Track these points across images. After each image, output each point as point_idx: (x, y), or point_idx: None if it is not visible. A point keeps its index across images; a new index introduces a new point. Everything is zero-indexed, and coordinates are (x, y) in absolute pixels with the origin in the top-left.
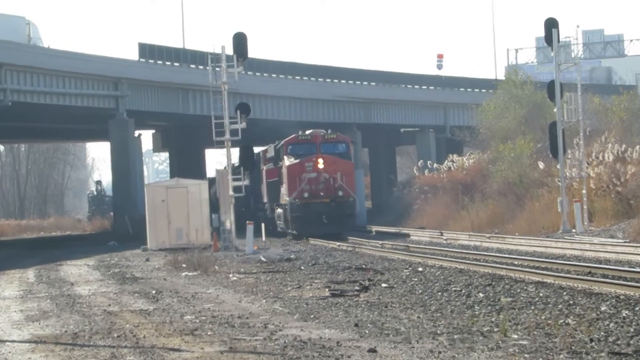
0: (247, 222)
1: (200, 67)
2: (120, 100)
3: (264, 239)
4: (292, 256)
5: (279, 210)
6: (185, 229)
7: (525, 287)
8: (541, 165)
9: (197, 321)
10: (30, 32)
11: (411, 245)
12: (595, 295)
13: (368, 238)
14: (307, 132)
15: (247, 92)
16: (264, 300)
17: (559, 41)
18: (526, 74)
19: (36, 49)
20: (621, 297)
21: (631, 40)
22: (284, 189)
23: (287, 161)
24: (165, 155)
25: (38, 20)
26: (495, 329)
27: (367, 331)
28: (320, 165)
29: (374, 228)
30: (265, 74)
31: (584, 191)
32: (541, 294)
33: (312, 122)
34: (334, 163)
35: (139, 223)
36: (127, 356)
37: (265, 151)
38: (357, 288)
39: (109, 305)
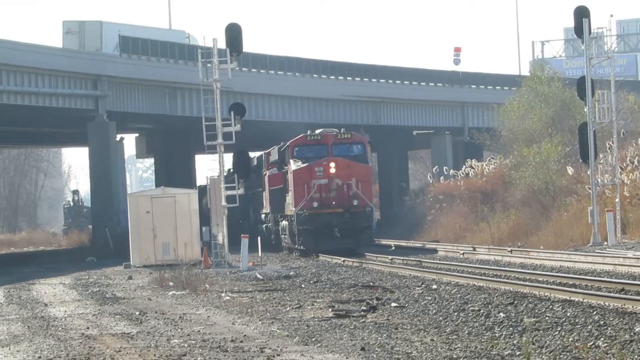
0: (242, 235)
1: (190, 62)
2: (99, 100)
3: (260, 254)
4: (291, 273)
5: (284, 223)
6: (172, 243)
7: (550, 306)
8: (570, 171)
9: (186, 345)
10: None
11: (424, 260)
12: (629, 315)
13: (387, 254)
14: (317, 131)
15: (241, 91)
16: (260, 322)
17: (590, 32)
18: (553, 70)
19: (2, 43)
20: None
21: None
22: (289, 198)
23: (294, 165)
24: (150, 162)
25: None
26: (518, 353)
27: (374, 355)
28: (332, 170)
29: (392, 242)
30: (262, 70)
31: (617, 200)
32: (568, 314)
33: (315, 124)
34: (348, 167)
35: (120, 237)
36: None
37: (268, 154)
38: (364, 308)
39: (87, 328)
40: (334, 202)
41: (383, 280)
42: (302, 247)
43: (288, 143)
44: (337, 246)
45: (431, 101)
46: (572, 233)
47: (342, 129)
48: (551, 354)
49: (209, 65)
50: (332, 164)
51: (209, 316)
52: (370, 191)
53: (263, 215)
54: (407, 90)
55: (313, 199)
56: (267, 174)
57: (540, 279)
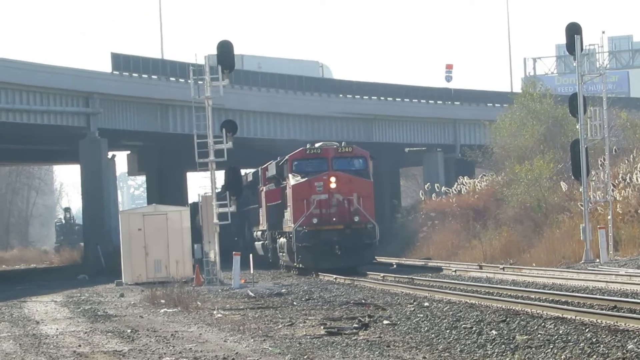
0: (234, 253)
1: (181, 80)
2: (91, 117)
3: (252, 271)
4: (283, 290)
5: (282, 240)
6: (164, 260)
7: (543, 324)
8: (564, 187)
9: None
10: (322, 74)
11: (416, 277)
12: (621, 333)
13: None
14: (317, 145)
15: (233, 108)
16: (252, 340)
17: (582, 49)
18: (545, 86)
19: None
20: None
21: None
22: (288, 214)
23: (292, 180)
24: (142, 179)
25: None
26: None
27: None
28: (333, 185)
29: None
30: (253, 88)
31: (609, 217)
32: (561, 331)
33: (306, 141)
34: (349, 182)
35: (112, 254)
36: None
37: (264, 169)
38: (356, 325)
39: (79, 345)
40: (334, 219)
41: (375, 297)
42: (301, 265)
43: (287, 157)
44: (337, 264)
45: (423, 118)
46: (565, 250)
47: (343, 142)
48: None
49: (200, 82)
50: (333, 179)
51: (200, 334)
52: (372, 207)
53: (260, 233)
54: (399, 107)
55: (312, 215)
56: (264, 189)
57: (533, 297)
